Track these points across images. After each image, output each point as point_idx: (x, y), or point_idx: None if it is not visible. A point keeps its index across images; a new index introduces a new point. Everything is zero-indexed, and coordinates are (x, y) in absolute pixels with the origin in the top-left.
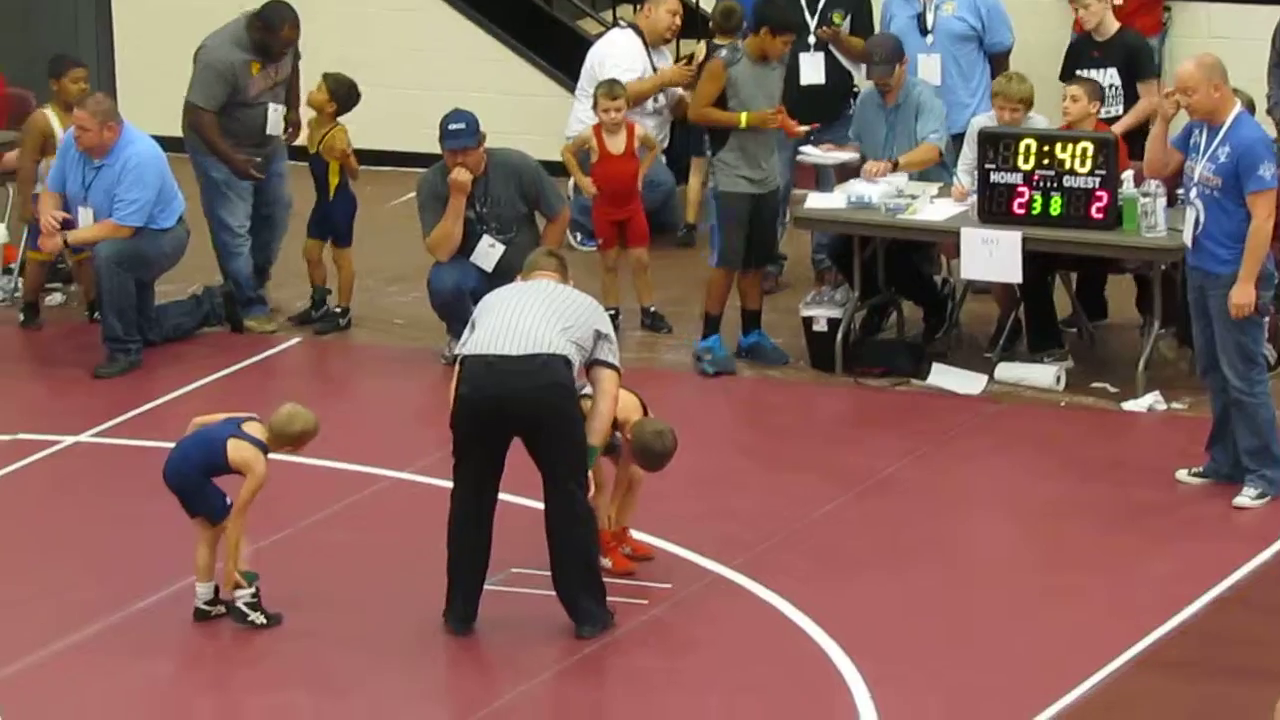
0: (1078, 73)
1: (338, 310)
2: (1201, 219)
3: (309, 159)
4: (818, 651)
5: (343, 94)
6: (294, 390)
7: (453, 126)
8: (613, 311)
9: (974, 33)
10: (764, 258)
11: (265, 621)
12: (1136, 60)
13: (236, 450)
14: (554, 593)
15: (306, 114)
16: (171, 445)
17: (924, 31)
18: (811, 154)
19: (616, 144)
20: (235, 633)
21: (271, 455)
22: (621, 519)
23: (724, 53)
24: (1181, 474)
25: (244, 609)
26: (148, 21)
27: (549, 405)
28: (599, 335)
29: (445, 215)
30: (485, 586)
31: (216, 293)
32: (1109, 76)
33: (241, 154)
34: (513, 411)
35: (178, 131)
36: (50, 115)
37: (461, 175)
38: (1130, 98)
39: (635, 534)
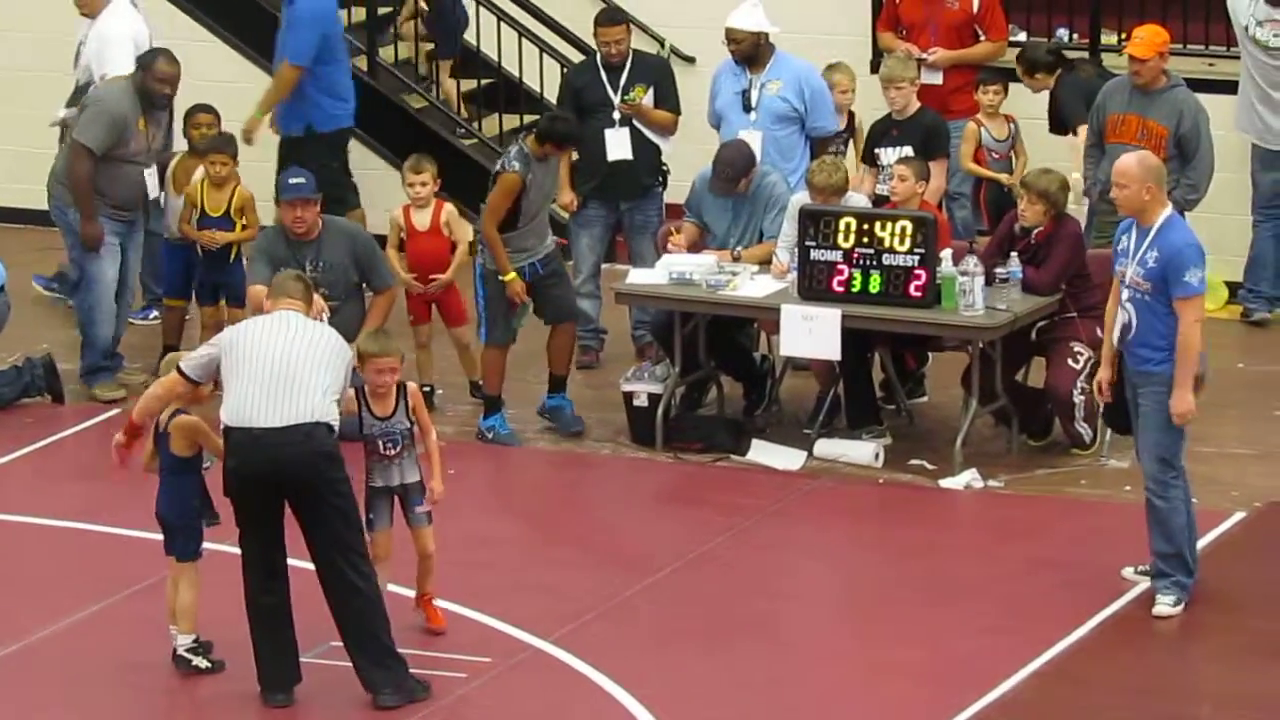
0: (875, 150)
1: None
2: (1134, 323)
3: (204, 226)
4: None
5: (235, 150)
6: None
7: (293, 181)
8: (428, 388)
9: (796, 114)
10: (565, 315)
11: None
12: (933, 139)
13: (174, 427)
14: None
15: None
16: None
17: (747, 108)
18: (676, 260)
19: (422, 220)
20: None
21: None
22: (421, 586)
23: (516, 165)
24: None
25: (187, 655)
26: None
27: (313, 476)
28: (351, 369)
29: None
30: (303, 659)
31: (38, 363)
32: (903, 154)
33: (104, 215)
34: (280, 482)
35: (10, 201)
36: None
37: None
38: None
39: (452, 606)
